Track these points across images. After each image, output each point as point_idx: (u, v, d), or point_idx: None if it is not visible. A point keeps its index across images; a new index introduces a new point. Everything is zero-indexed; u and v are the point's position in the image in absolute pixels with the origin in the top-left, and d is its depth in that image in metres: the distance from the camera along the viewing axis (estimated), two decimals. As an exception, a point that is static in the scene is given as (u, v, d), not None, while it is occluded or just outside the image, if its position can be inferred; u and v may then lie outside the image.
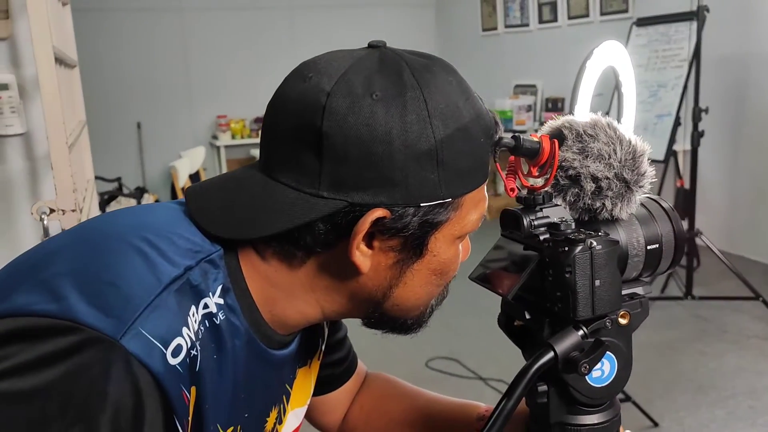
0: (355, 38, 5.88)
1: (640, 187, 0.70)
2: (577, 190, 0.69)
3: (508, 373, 0.80)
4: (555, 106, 5.78)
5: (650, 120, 4.29)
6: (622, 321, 0.70)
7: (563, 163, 0.68)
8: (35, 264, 0.55)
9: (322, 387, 0.90)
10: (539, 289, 0.68)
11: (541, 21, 6.05)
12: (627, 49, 4.61)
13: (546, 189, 0.70)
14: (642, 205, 0.73)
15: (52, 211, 1.12)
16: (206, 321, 0.58)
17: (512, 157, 0.72)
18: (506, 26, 6.51)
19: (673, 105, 4.11)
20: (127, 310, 0.51)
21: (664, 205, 0.74)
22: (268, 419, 0.72)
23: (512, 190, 0.70)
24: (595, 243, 0.64)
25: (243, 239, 0.63)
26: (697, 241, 3.51)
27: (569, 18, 5.68)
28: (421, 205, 0.62)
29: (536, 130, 0.76)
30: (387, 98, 0.60)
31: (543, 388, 0.68)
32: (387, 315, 0.69)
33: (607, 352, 0.68)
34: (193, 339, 0.56)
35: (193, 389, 0.56)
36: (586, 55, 2.19)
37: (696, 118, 3.49)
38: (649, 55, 4.46)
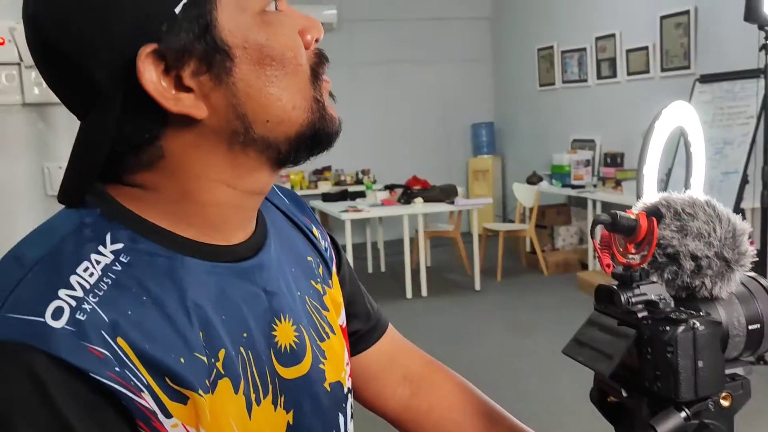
0: (415, 91, 6.10)
1: (741, 266, 0.69)
2: (675, 268, 0.69)
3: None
4: (614, 161, 5.73)
5: (716, 177, 4.21)
6: (725, 403, 0.68)
7: (661, 241, 0.68)
8: None
9: (355, 345, 0.85)
10: (636, 367, 0.68)
11: (599, 77, 6.05)
12: (691, 105, 4.57)
13: (643, 266, 0.69)
14: (741, 283, 0.72)
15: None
16: (108, 273, 0.56)
17: (605, 233, 0.73)
18: (564, 81, 6.53)
19: (739, 162, 4.03)
20: None
21: (764, 283, 0.73)
22: (275, 332, 0.66)
23: (608, 265, 0.70)
24: (697, 323, 0.64)
25: (85, 188, 0.60)
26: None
27: (629, 74, 5.67)
28: (176, 11, 0.55)
29: (631, 208, 0.76)
30: None
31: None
32: (274, 140, 0.61)
33: (710, 435, 0.67)
34: (80, 295, 0.53)
35: (119, 341, 0.53)
36: (654, 116, 2.18)
37: (766, 176, 3.41)
38: (713, 111, 4.40)
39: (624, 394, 0.70)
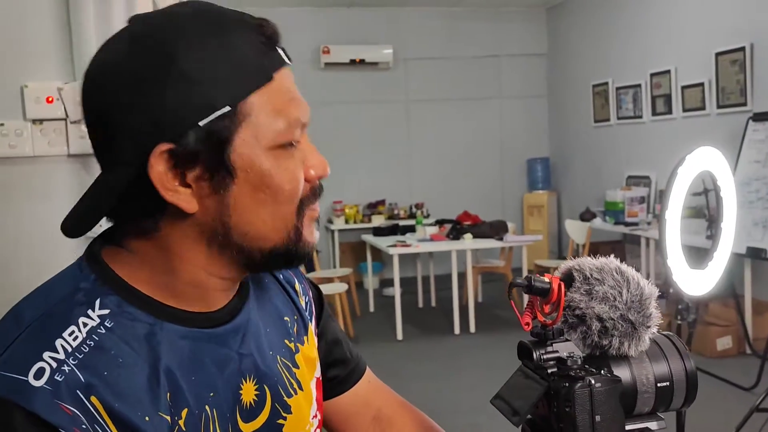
0: (469, 128, 6.20)
1: (647, 327, 0.75)
2: (584, 328, 0.75)
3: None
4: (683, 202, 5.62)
5: (769, 218, 4.10)
6: (631, 454, 0.74)
7: (571, 303, 0.75)
8: None
9: (332, 389, 0.92)
10: (547, 418, 0.74)
11: (654, 113, 5.98)
12: (744, 143, 4.48)
13: (556, 325, 0.76)
14: (655, 342, 0.78)
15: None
16: (93, 335, 0.63)
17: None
18: (619, 118, 6.49)
19: (793, 203, 3.92)
20: None
21: (677, 343, 0.78)
22: (241, 391, 0.73)
23: (527, 324, 0.77)
24: (593, 381, 0.70)
25: (84, 233, 0.68)
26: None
27: (684, 110, 5.59)
28: (200, 124, 0.62)
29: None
30: (130, 56, 0.63)
31: None
32: (248, 250, 0.69)
33: (614, 484, 0.72)
34: (62, 357, 0.60)
35: (93, 399, 0.60)
36: (677, 162, 2.20)
37: (816, 219, 3.31)
38: (767, 150, 4.30)
39: (538, 441, 0.76)
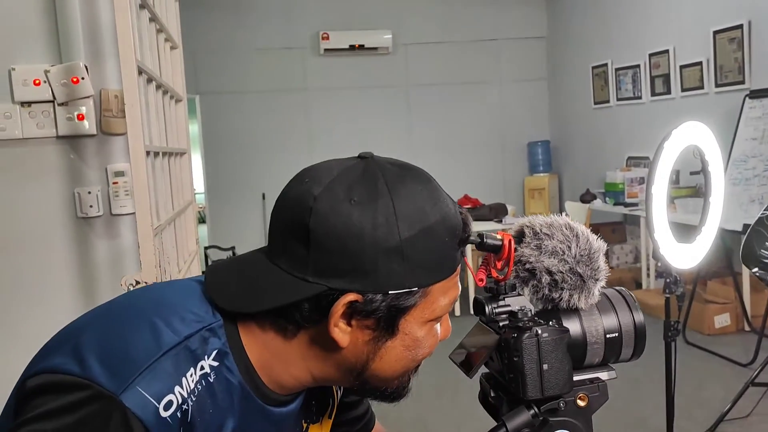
0: (471, 112, 6.18)
1: (596, 280, 0.78)
2: (535, 282, 0.78)
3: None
4: (670, 177, 5.62)
5: (766, 194, 4.10)
6: (581, 403, 0.77)
7: (521, 258, 0.78)
8: (72, 332, 0.72)
9: None
10: (499, 370, 0.77)
11: (653, 94, 5.97)
12: (741, 121, 4.47)
13: (508, 280, 0.79)
14: (605, 296, 0.81)
15: (137, 282, 1.35)
16: (203, 380, 0.71)
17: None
18: (618, 99, 6.48)
19: (789, 179, 3.92)
20: (130, 371, 0.66)
21: (627, 297, 0.81)
22: None
23: (481, 280, 0.81)
24: (540, 331, 0.73)
25: (246, 312, 0.76)
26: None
27: (683, 90, 5.58)
28: (389, 292, 0.72)
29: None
30: (362, 203, 0.72)
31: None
32: (368, 384, 0.79)
33: (564, 431, 0.75)
34: (185, 396, 0.68)
35: None
36: (663, 136, 2.21)
37: (810, 195, 3.32)
38: (764, 127, 4.30)
39: (492, 394, 0.79)
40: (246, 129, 6.86)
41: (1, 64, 1.67)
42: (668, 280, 2.27)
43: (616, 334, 0.79)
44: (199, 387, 0.71)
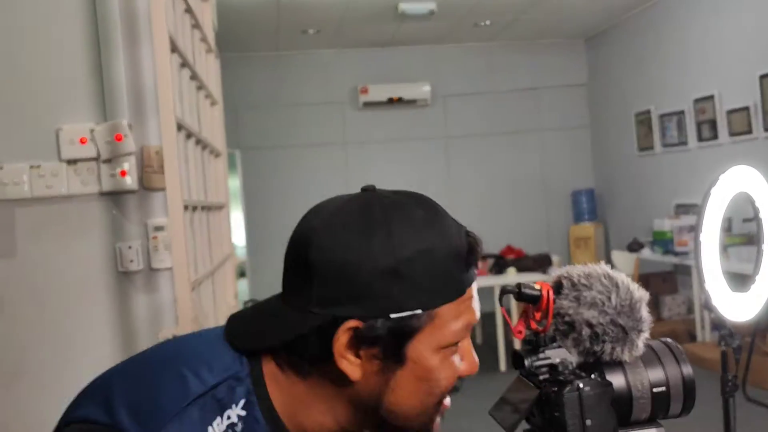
0: (511, 162, 6.14)
1: (639, 332, 0.74)
2: (575, 334, 0.74)
3: None
4: (722, 224, 5.45)
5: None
6: (628, 462, 0.72)
7: (560, 310, 0.75)
8: (104, 382, 0.73)
9: None
10: (540, 426, 0.73)
11: (700, 139, 5.86)
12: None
13: (548, 332, 0.76)
14: (651, 348, 0.76)
15: (174, 337, 1.35)
16: (229, 430, 0.71)
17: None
18: (663, 145, 6.37)
19: None
20: (157, 419, 0.67)
21: (674, 349, 0.76)
22: None
23: (520, 332, 0.77)
24: (582, 385, 0.69)
25: (256, 349, 0.76)
26: None
27: (730, 135, 5.46)
28: (391, 316, 0.71)
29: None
30: (359, 230, 0.73)
31: None
32: (389, 424, 0.76)
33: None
34: None
35: None
36: (710, 182, 2.15)
37: None
38: (817, 171, 4.15)
39: (533, 451, 0.75)
40: (286, 183, 6.95)
41: (49, 125, 1.73)
42: (723, 332, 2.16)
43: (664, 388, 0.74)
44: None
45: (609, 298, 0.73)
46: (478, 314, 0.76)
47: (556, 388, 0.70)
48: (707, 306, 2.18)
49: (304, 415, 0.76)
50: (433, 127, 7.43)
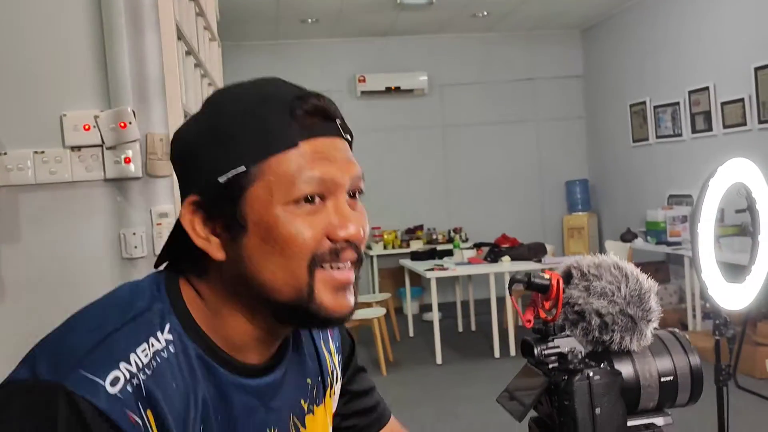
0: (506, 152, 6.18)
1: (648, 321, 0.75)
2: (585, 324, 0.76)
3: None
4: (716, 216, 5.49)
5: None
6: (635, 450, 0.74)
7: (570, 300, 0.76)
8: (37, 344, 0.72)
9: None
10: (549, 414, 0.75)
11: (694, 131, 5.89)
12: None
13: (557, 321, 0.77)
14: (659, 338, 0.78)
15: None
16: (157, 356, 0.69)
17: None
18: (658, 137, 6.40)
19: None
20: (72, 358, 0.66)
21: (682, 339, 0.78)
22: None
23: (528, 321, 0.79)
24: (592, 374, 0.71)
25: (162, 271, 0.78)
26: None
27: (724, 127, 5.49)
28: (219, 180, 0.70)
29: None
30: (192, 116, 0.77)
31: None
32: (267, 301, 0.73)
33: (618, 479, 0.72)
34: (134, 371, 0.67)
35: (148, 412, 0.67)
36: (708, 174, 2.17)
37: None
38: (811, 164, 4.19)
39: (541, 438, 0.77)
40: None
41: (54, 111, 1.73)
42: (718, 322, 2.20)
43: (671, 378, 0.76)
44: (155, 363, 0.69)
45: (618, 288, 0.75)
46: (341, 173, 0.73)
47: (565, 377, 0.71)
48: (702, 296, 2.21)
49: (222, 324, 0.75)
50: (430, 117, 7.43)
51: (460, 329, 6.26)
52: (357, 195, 0.78)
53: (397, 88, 7.18)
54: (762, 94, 5.07)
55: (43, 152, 1.74)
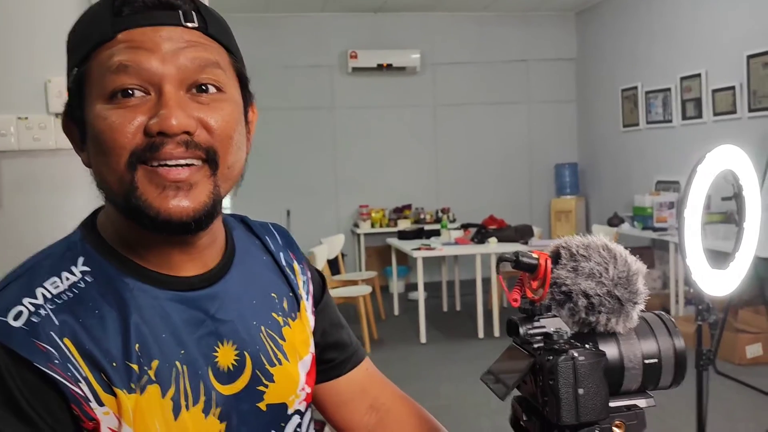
0: (497, 133, 6.18)
1: (635, 304, 0.75)
2: (571, 305, 0.76)
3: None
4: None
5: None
6: (617, 430, 0.74)
7: (557, 280, 0.76)
8: None
9: (328, 372, 0.95)
10: (532, 393, 0.75)
11: (684, 117, 5.90)
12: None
13: (543, 301, 0.77)
14: (644, 320, 0.78)
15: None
16: (74, 288, 0.71)
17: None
18: (648, 122, 6.41)
19: (826, 207, 3.82)
20: None
21: (668, 321, 0.78)
22: (216, 353, 0.77)
23: (515, 300, 0.78)
24: (577, 354, 0.70)
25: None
26: None
27: (715, 114, 5.51)
28: (69, 86, 0.74)
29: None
30: None
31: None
32: (112, 202, 0.74)
33: (599, 460, 0.72)
34: (40, 302, 0.68)
35: (66, 341, 0.68)
36: (696, 160, 2.17)
37: None
38: (799, 153, 4.21)
39: (524, 417, 0.77)
40: (272, 146, 6.89)
41: (39, 77, 1.70)
42: (700, 307, 2.21)
43: (656, 360, 0.76)
44: (70, 294, 0.70)
45: (606, 270, 0.74)
46: (164, 61, 0.70)
47: (551, 357, 0.71)
48: (687, 281, 2.22)
49: (127, 239, 0.76)
50: (421, 95, 7.39)
51: (445, 309, 6.29)
52: (211, 88, 0.73)
53: (389, 66, 7.13)
54: (753, 83, 5.08)
55: (26, 118, 1.71)
